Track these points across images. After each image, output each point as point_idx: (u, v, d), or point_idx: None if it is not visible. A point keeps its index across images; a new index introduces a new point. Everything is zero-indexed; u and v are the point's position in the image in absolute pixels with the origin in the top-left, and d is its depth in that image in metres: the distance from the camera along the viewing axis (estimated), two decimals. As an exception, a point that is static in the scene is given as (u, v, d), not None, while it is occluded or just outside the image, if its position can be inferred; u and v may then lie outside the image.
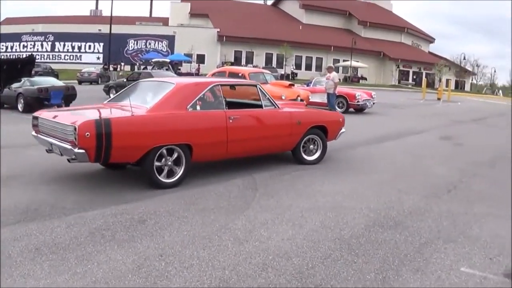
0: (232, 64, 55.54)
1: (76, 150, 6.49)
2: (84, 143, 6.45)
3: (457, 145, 13.18)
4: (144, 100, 7.78)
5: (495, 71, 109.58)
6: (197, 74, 48.68)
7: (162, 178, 7.20)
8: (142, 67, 53.36)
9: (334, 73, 20.01)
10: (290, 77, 58.14)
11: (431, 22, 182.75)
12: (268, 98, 8.93)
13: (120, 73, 46.07)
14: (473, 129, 18.15)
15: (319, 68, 68.58)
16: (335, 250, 4.98)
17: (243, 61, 64.27)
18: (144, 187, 7.14)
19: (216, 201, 6.60)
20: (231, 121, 7.92)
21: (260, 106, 8.78)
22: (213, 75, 19.45)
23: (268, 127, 8.70)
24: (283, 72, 59.59)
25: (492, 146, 13.56)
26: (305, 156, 9.40)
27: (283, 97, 16.63)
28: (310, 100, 19.51)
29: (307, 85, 24.15)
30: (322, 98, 20.21)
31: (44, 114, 7.73)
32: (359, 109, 21.54)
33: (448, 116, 23.11)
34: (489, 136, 16.48)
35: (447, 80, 65.22)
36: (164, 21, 70.60)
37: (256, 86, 9.06)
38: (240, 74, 18.34)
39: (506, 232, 5.83)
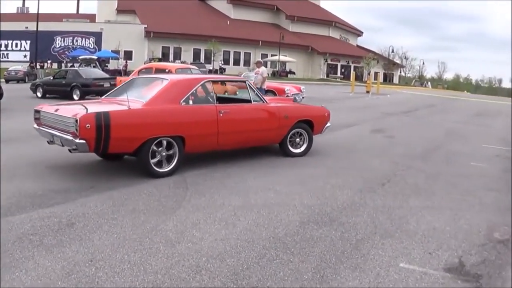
0: (159, 60, 55.93)
1: (77, 140, 7.17)
2: (84, 134, 7.14)
3: (388, 137, 13.57)
4: (140, 95, 8.44)
5: (423, 63, 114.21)
6: (125, 71, 48.43)
7: (156, 168, 7.90)
8: (69, 64, 52.54)
9: (263, 68, 20.22)
10: (219, 73, 58.77)
11: (359, 15, 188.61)
12: (256, 93, 9.76)
13: (47, 71, 45.21)
14: (403, 122, 18.74)
15: (247, 63, 69.47)
16: (270, 249, 4.97)
17: (171, 57, 64.61)
18: (73, 188, 6.98)
19: (146, 202, 6.48)
20: (221, 114, 8.69)
21: (249, 101, 9.69)
22: (140, 71, 19.58)
23: (257, 120, 9.50)
24: (211, 68, 60.13)
25: (423, 139, 14.03)
26: (291, 149, 10.15)
27: None
28: (238, 95, 19.65)
29: None
30: None
31: (45, 107, 8.43)
32: (289, 104, 21.79)
33: (378, 109, 23.79)
34: (419, 128, 17.07)
35: (376, 73, 67.31)
36: (91, 18, 70.18)
37: (245, 82, 9.99)
38: (167, 70, 18.44)
39: (443, 226, 6.02)
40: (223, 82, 10.42)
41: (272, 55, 68.61)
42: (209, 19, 72.42)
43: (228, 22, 73.27)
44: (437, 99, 34.11)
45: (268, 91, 20.95)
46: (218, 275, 4.37)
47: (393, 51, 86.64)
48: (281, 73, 65.51)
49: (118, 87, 9.70)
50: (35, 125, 8.59)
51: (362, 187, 7.73)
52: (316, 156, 10.24)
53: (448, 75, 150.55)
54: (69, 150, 7.66)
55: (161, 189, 7.10)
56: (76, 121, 7.14)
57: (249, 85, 9.78)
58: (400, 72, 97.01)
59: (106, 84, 23.02)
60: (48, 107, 8.41)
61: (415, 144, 12.77)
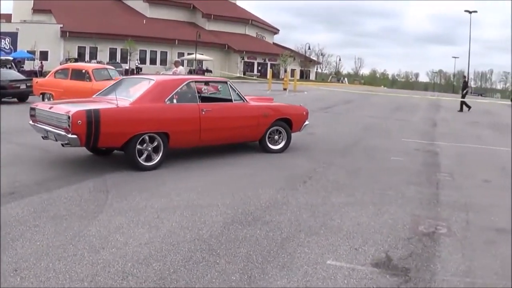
0: (76, 60, 54.62)
1: (69, 135, 7.90)
2: (76, 130, 7.88)
3: (308, 134, 13.76)
4: (129, 94, 9.21)
5: (340, 60, 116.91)
6: (40, 71, 46.92)
7: (142, 161, 8.61)
8: (-16, 66, 50.04)
9: (180, 67, 20.20)
10: (135, 72, 58.16)
11: (275, 13, 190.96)
12: (237, 93, 10.43)
13: (-38, 73, 42.81)
14: (322, 118, 19.07)
15: (164, 62, 69.09)
16: (195, 252, 4.91)
17: (87, 57, 63.37)
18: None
19: (67, 207, 6.26)
20: (203, 112, 9.45)
21: (230, 100, 10.35)
22: (56, 72, 19.29)
23: (237, 118, 10.20)
24: (127, 67, 59.48)
25: (343, 135, 14.35)
26: (270, 146, 10.91)
27: None
28: None
29: None
30: None
31: (40, 105, 9.27)
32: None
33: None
34: (339, 124, 17.42)
35: (293, 70, 68.34)
36: (7, 18, 67.45)
37: (226, 82, 10.71)
38: (83, 71, 18.21)
39: (368, 221, 6.14)
40: (206, 83, 11.31)
41: (188, 54, 68.38)
42: (125, 18, 71.57)
43: (145, 21, 72.56)
44: (355, 94, 35.04)
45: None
46: (145, 280, 4.26)
47: (309, 48, 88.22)
48: (198, 71, 65.43)
49: (108, 86, 10.29)
50: (31, 122, 9.31)
51: (284, 185, 7.77)
52: (237, 156, 10.26)
53: (365, 71, 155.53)
54: (62, 145, 8.46)
55: (81, 193, 6.89)
56: (69, 117, 7.88)
57: (230, 85, 10.46)
58: (317, 69, 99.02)
59: (23, 86, 22.13)
60: (43, 105, 9.23)
61: (335, 140, 13.03)
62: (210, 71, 68.63)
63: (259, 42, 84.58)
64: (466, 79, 31.93)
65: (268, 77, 45.93)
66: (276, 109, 11.19)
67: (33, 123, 9.21)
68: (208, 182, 7.84)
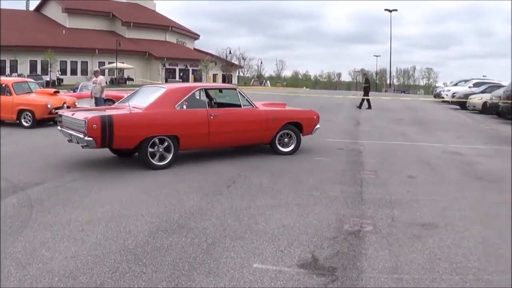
0: None
1: (86, 138, 9.15)
2: (92, 133, 9.13)
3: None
4: (143, 101, 10.28)
5: (261, 63, 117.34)
6: None
7: (154, 161, 9.73)
8: None
9: (100, 77, 20.35)
10: (56, 84, 57.28)
11: (195, 19, 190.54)
12: (246, 99, 11.36)
13: None
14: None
15: (85, 72, 67.69)
16: (122, 263, 4.90)
17: (8, 70, 61.44)
18: None
19: (-9, 224, 6.09)
20: (211, 117, 10.45)
21: (239, 106, 11.20)
22: None
23: (245, 122, 11.08)
24: (48, 79, 58.16)
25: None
26: (280, 148, 11.73)
27: (49, 105, 17.46)
28: (78, 106, 19.72)
29: (74, 91, 24.41)
30: (90, 103, 20.23)
31: (65, 112, 10.58)
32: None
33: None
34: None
35: (215, 75, 68.45)
36: None
37: (235, 89, 11.72)
38: (3, 85, 17.90)
39: (293, 222, 6.25)
40: (213, 90, 12.26)
41: (109, 63, 67.68)
42: (45, 29, 69.81)
43: (64, 31, 71.06)
44: (277, 96, 35.33)
45: (107, 100, 20.89)
46: (70, 295, 4.21)
47: (230, 53, 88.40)
48: (119, 80, 64.93)
49: (129, 94, 11.51)
50: (59, 127, 10.59)
51: (208, 191, 7.82)
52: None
53: (287, 73, 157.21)
54: (82, 147, 9.73)
55: (5, 209, 6.72)
56: (85, 122, 9.13)
57: (239, 92, 11.42)
58: (239, 73, 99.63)
59: None
60: (68, 112, 10.53)
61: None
62: (132, 79, 68.12)
63: (180, 48, 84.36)
64: (367, 77, 33.20)
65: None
66: (285, 114, 12.04)
67: (60, 128, 10.48)
68: (132, 191, 7.80)
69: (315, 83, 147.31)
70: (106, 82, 25.56)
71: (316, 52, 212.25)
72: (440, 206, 7.27)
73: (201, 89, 11.02)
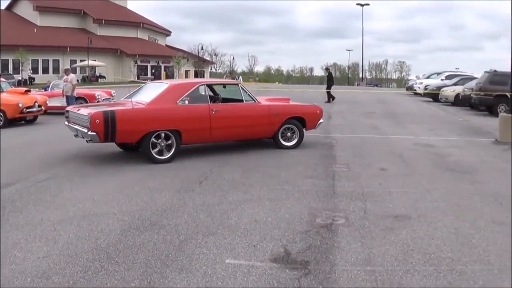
0: None
1: (89, 132, 9.58)
2: (95, 127, 9.57)
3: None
4: (147, 97, 10.67)
5: (233, 58, 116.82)
6: None
7: (156, 155, 10.08)
8: None
9: (71, 75, 20.36)
10: (28, 83, 56.91)
11: (166, 15, 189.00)
12: (248, 94, 11.69)
13: None
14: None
15: (56, 70, 67.06)
16: (94, 262, 4.87)
17: None
18: None
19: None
20: (213, 112, 10.77)
21: (241, 101, 11.54)
22: None
23: (246, 117, 11.38)
24: (20, 78, 57.68)
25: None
26: (283, 142, 11.99)
27: (20, 105, 17.35)
28: (49, 105, 20.09)
29: (45, 89, 24.23)
30: (61, 102, 20.28)
31: (71, 108, 11.07)
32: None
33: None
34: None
35: (187, 71, 68.26)
36: None
37: (238, 85, 12.21)
38: None
39: (265, 217, 6.27)
40: (215, 85, 12.41)
41: (81, 61, 67.29)
42: (16, 28, 68.84)
43: (35, 29, 70.24)
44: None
45: (78, 98, 20.89)
46: (42, 295, 4.17)
47: (202, 49, 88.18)
48: (91, 78, 64.58)
49: (134, 90, 11.91)
50: (66, 122, 11.01)
51: (180, 188, 7.82)
52: (131, 161, 10.22)
53: (259, 68, 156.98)
54: (86, 141, 10.04)
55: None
56: (89, 117, 9.55)
57: (241, 87, 11.82)
58: (211, 69, 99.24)
59: None
60: (73, 108, 10.98)
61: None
62: (104, 77, 67.88)
63: (152, 45, 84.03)
64: (330, 71, 33.81)
65: (162, 79, 45.63)
66: (288, 108, 12.28)
67: (67, 124, 10.88)
68: (104, 190, 7.75)
69: (287, 78, 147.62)
70: (78, 80, 25.47)
71: (288, 48, 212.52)
72: (412, 198, 7.36)
73: (203, 84, 11.33)
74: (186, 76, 53.78)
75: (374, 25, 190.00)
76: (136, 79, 71.99)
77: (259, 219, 6.21)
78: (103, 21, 77.27)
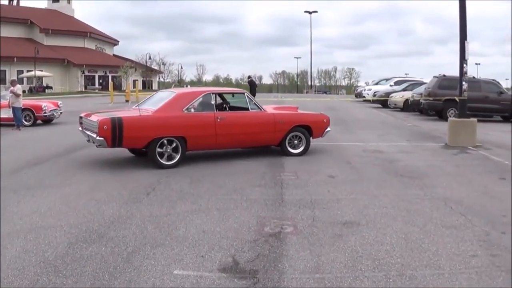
0: None
1: (98, 138, 10.24)
2: (103, 133, 10.22)
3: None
4: (155, 105, 11.34)
5: (182, 68, 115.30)
6: None
7: (163, 161, 10.67)
8: None
9: (18, 86, 20.11)
10: None
11: (114, 24, 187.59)
12: (254, 102, 12.25)
13: None
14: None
15: (3, 81, 65.36)
16: (42, 275, 4.84)
17: None
18: None
19: None
20: (219, 120, 11.30)
21: (247, 109, 12.02)
22: None
23: (252, 125, 11.89)
24: None
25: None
26: (290, 149, 12.40)
27: None
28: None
29: None
30: (8, 113, 19.95)
31: (84, 114, 11.58)
32: (47, 120, 21.77)
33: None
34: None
35: (134, 81, 67.79)
36: None
37: (244, 93, 12.60)
38: None
39: (213, 227, 6.32)
40: (221, 94, 12.98)
41: (28, 71, 66.20)
42: None
43: (-19, 40, 68.71)
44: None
45: (24, 109, 20.56)
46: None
47: (150, 58, 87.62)
48: (37, 89, 63.51)
49: (145, 99, 12.61)
50: (80, 128, 11.69)
51: (127, 199, 7.80)
52: (79, 172, 10.13)
53: (208, 77, 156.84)
54: (96, 146, 10.82)
55: None
56: (97, 123, 10.22)
57: (247, 96, 12.33)
58: (159, 78, 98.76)
59: None
60: (86, 114, 11.50)
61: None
62: (51, 88, 66.82)
63: (99, 54, 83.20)
64: (252, 79, 34.80)
65: (109, 89, 45.07)
66: (294, 117, 12.70)
67: (81, 129, 11.54)
68: (51, 202, 7.66)
69: (236, 87, 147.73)
70: (25, 91, 25.02)
71: (236, 56, 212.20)
72: (361, 204, 7.52)
73: (210, 93, 11.81)
74: (134, 86, 53.37)
75: (323, 32, 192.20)
76: (83, 89, 71.16)
77: (207, 230, 6.25)
78: (50, 30, 76.12)
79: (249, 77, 39.84)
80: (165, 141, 10.69)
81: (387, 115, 26.16)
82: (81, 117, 11.64)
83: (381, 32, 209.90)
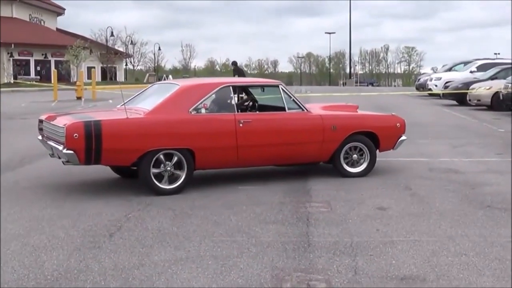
0: None
1: (65, 151, 9.90)
2: (72, 144, 9.87)
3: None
4: (150, 103, 11.25)
5: (159, 49, 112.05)
6: None
7: (161, 184, 10.57)
8: None
9: None
10: None
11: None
12: (293, 99, 12.03)
13: None
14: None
15: None
16: None
17: None
18: None
19: None
20: (241, 125, 11.12)
21: (283, 109, 11.92)
22: None
23: (289, 132, 11.78)
24: None
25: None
26: (347, 168, 12.33)
27: None
28: None
29: None
30: None
31: (47, 117, 11.47)
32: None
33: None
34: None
35: (89, 68, 68.14)
36: None
37: (278, 86, 12.19)
38: None
39: (207, 283, 6.32)
40: (246, 87, 13.03)
41: None
42: None
43: None
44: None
45: None
46: None
47: (113, 35, 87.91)
48: None
49: (136, 94, 12.66)
50: (39, 137, 11.76)
51: (81, 244, 7.81)
52: (5, 204, 10.08)
53: (198, 62, 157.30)
54: (63, 162, 10.56)
55: None
56: (64, 130, 9.89)
57: (283, 90, 12.02)
58: (127, 64, 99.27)
59: None
60: (49, 117, 11.43)
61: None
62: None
63: (36, 28, 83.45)
64: (236, 67, 35.40)
65: (52, 81, 45.13)
66: (352, 120, 12.76)
67: (41, 139, 11.61)
68: None
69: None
70: None
71: (238, 31, 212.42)
72: (427, 250, 7.50)
73: (229, 86, 11.70)
74: (89, 76, 53.33)
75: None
76: (12, 81, 71.19)
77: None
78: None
79: (234, 63, 40.27)
80: (162, 156, 10.57)
81: (465, 116, 26.16)
82: (41, 121, 11.59)
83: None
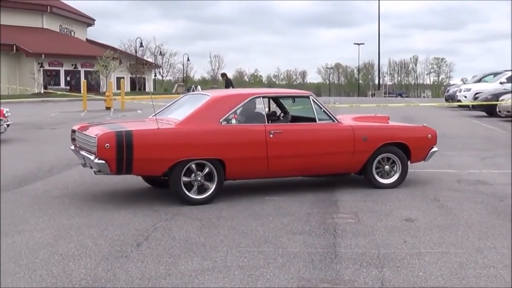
0: None
1: (96, 160, 10.13)
2: (103, 154, 10.09)
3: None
4: (181, 113, 11.44)
5: (188, 59, 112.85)
6: None
7: (191, 194, 10.73)
8: None
9: None
10: None
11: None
12: (324, 110, 12.20)
13: None
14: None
15: None
16: None
17: None
18: None
19: None
20: (271, 135, 11.26)
21: (313, 120, 12.01)
22: None
23: (320, 143, 11.90)
24: None
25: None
26: (379, 179, 12.40)
27: None
28: None
29: None
30: None
31: (80, 127, 11.72)
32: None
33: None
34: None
35: (119, 79, 68.32)
36: None
37: (309, 97, 12.29)
38: None
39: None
40: (277, 98, 13.23)
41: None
42: None
43: None
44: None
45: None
46: None
47: (142, 45, 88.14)
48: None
49: (168, 104, 12.90)
50: (72, 147, 12.01)
51: (108, 253, 7.84)
52: (34, 213, 10.18)
53: (228, 73, 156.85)
54: (94, 172, 10.83)
55: None
56: (96, 140, 10.11)
57: (314, 100, 12.16)
58: (156, 75, 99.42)
59: None
60: (82, 126, 11.69)
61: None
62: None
63: (66, 39, 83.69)
64: (227, 78, 35.82)
65: (82, 91, 45.28)
66: (382, 131, 12.82)
67: (73, 149, 11.85)
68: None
69: (269, 87, 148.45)
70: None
71: (266, 42, 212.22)
72: (455, 262, 7.46)
73: (259, 97, 11.94)
74: (118, 86, 53.45)
75: (395, 4, 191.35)
76: (42, 91, 71.44)
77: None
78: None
79: (223, 75, 40.26)
80: (194, 166, 10.71)
81: (495, 127, 26.00)
82: (73, 131, 11.79)
83: (485, 2, 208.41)
